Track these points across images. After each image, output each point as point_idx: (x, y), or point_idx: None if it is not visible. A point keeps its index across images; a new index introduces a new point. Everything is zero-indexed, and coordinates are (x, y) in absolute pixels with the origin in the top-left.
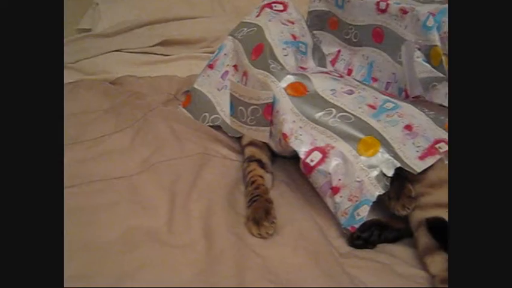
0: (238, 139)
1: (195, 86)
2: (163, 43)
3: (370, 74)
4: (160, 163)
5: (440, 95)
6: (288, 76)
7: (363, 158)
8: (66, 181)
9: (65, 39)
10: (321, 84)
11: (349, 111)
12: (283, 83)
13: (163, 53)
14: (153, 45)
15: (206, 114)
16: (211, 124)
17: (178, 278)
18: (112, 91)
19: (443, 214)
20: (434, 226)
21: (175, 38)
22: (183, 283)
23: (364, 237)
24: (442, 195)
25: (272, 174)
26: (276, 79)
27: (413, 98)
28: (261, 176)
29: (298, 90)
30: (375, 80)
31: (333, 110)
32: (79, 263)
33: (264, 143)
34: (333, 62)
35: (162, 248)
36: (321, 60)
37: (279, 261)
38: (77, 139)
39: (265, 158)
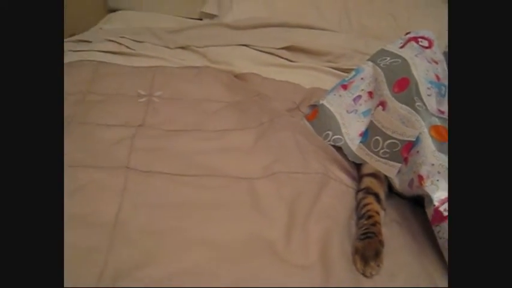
0: (357, 165)
1: (325, 102)
2: (289, 48)
3: None
4: (282, 173)
5: None
6: (433, 118)
7: None
8: (187, 169)
9: (196, 23)
10: None
11: None
12: (428, 124)
13: (287, 58)
14: (280, 48)
15: (329, 132)
16: (332, 144)
17: None
18: (236, 85)
19: None
20: None
21: (302, 45)
22: None
23: None
24: None
25: (385, 211)
26: (421, 118)
27: None
28: (378, 212)
29: (441, 135)
30: None
31: None
32: (196, 257)
33: (385, 178)
34: None
35: (279, 263)
36: None
37: None
38: (200, 127)
39: (382, 194)
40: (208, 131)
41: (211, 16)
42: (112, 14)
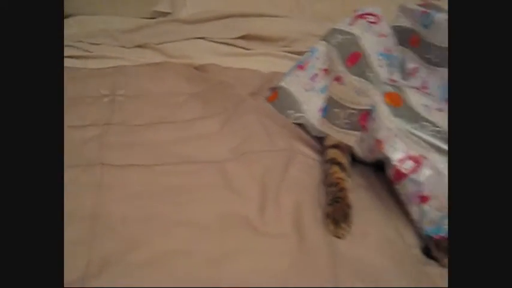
0: (320, 139)
1: (283, 84)
2: (245, 37)
3: (444, 95)
4: (250, 153)
5: None
6: (386, 86)
7: None
8: (159, 159)
9: (151, 21)
10: (414, 98)
11: (442, 127)
12: (381, 92)
13: (244, 47)
14: (236, 38)
15: (291, 111)
16: (294, 121)
17: (274, 266)
18: (197, 77)
19: None
20: None
21: (257, 33)
22: (279, 271)
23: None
24: None
25: (351, 179)
26: (375, 87)
27: None
28: (343, 180)
29: (395, 101)
30: None
31: (427, 124)
32: (179, 238)
33: (347, 147)
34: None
35: (256, 235)
36: (404, 75)
37: (367, 263)
38: (167, 119)
39: (346, 162)
40: (175, 122)
41: (165, 14)
42: (66, 20)
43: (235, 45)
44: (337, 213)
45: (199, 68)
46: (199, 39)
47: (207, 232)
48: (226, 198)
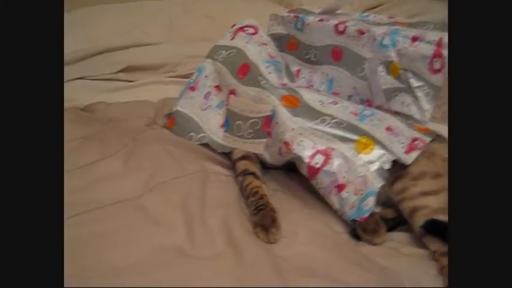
0: (227, 155)
1: (179, 108)
2: (125, 69)
3: (330, 89)
4: (164, 183)
5: (398, 104)
6: (280, 90)
7: (362, 155)
8: (68, 211)
9: None
10: (309, 96)
11: (340, 118)
12: (278, 96)
13: (127, 79)
14: (116, 72)
15: (192, 133)
16: (198, 143)
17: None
18: (85, 119)
19: (430, 201)
20: (431, 228)
21: (137, 64)
22: None
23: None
24: (425, 185)
25: (266, 185)
26: (270, 93)
27: (375, 107)
28: (260, 187)
29: (292, 102)
30: (336, 94)
31: (326, 117)
32: (119, 284)
33: (256, 156)
34: None
35: (193, 262)
36: (291, 77)
37: (305, 257)
38: (66, 167)
39: (258, 171)
40: (71, 170)
41: None
42: None
43: (117, 80)
44: (264, 220)
45: (85, 109)
46: (77, 80)
47: (140, 272)
48: (151, 232)
